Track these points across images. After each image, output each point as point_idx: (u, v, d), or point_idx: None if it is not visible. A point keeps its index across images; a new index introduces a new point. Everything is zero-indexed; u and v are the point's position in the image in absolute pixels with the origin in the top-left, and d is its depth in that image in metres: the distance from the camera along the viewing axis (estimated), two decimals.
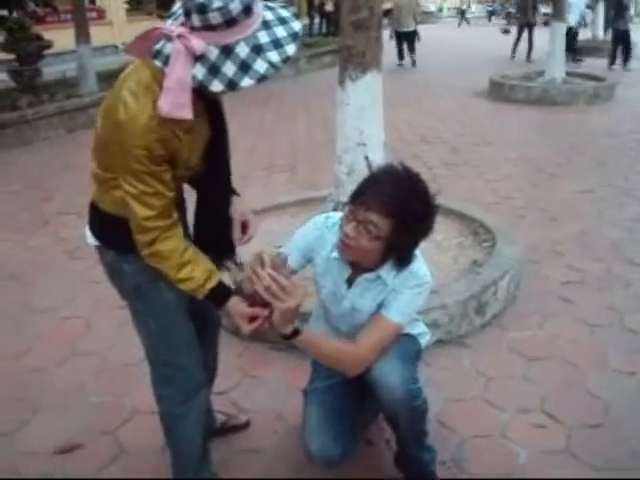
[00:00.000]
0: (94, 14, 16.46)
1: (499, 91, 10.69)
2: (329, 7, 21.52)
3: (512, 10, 33.65)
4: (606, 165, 6.56)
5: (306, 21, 21.86)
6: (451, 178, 6.21)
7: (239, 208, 2.02)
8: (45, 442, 2.60)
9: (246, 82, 1.53)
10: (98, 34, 12.47)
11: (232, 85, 1.53)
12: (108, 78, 10.34)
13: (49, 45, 10.19)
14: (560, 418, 2.65)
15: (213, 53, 1.51)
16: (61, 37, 11.53)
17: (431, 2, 42.82)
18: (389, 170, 1.90)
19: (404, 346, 2.05)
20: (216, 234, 1.98)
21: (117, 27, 17.79)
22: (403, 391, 1.94)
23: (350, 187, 3.57)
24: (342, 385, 2.19)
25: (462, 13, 36.56)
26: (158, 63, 1.55)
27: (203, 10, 1.46)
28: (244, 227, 2.01)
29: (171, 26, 1.54)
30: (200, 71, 1.52)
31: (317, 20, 23.05)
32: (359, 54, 3.46)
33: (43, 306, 3.79)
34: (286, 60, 1.56)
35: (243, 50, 1.52)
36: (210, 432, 2.32)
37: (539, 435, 2.57)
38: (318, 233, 2.07)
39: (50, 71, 10.74)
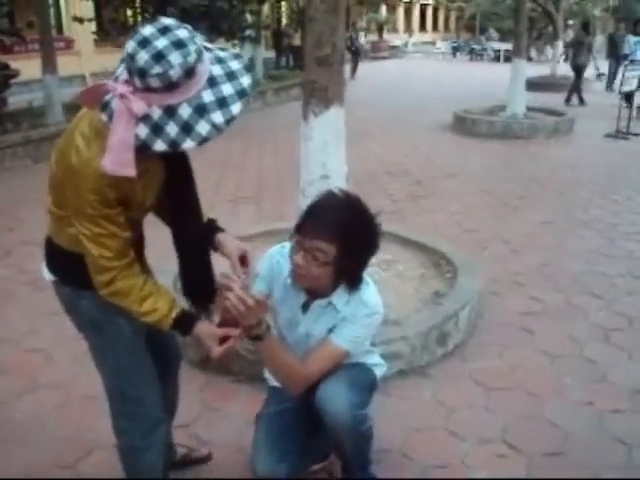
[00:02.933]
0: (62, 44, 16.38)
1: (463, 125, 10.92)
2: (296, 41, 21.80)
3: (475, 47, 34.58)
4: (566, 197, 6.73)
5: (272, 54, 22.10)
6: (415, 210, 6.31)
7: (231, 243, 2.00)
8: (5, 476, 2.53)
9: (188, 144, 1.54)
10: (66, 64, 12.43)
11: (174, 145, 1.54)
12: (75, 108, 10.22)
13: (16, 74, 10.14)
14: (521, 447, 2.69)
15: (156, 113, 1.51)
16: (28, 66, 11.46)
17: (397, 38, 43.67)
18: (329, 197, 1.97)
19: (354, 373, 2.09)
20: (199, 276, 1.97)
21: (85, 57, 17.72)
22: (348, 416, 1.98)
23: None
24: (294, 411, 2.22)
25: (455, 49, 37.63)
26: (104, 117, 1.56)
27: (143, 74, 1.47)
28: (243, 261, 1.97)
29: (116, 84, 1.53)
30: (143, 131, 1.53)
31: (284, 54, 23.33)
32: (322, 89, 3.52)
33: (4, 337, 3.72)
34: (230, 121, 1.56)
35: (186, 111, 1.52)
36: (171, 465, 2.30)
37: (500, 464, 2.60)
38: (274, 262, 2.11)
39: (16, 100, 10.66)
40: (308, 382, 2.01)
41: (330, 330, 2.04)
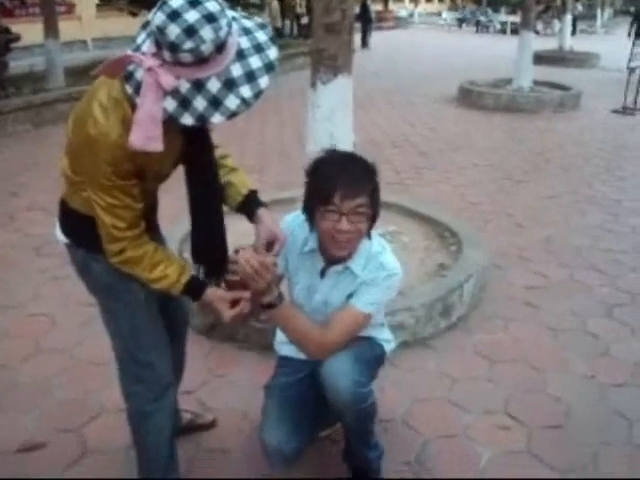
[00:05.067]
0: (63, 8, 16.18)
1: (468, 97, 10.84)
2: (300, 9, 21.59)
3: (482, 18, 34.18)
4: (571, 173, 6.69)
5: (279, 24, 21.83)
6: (419, 182, 6.28)
7: (266, 224, 1.94)
8: (8, 440, 2.56)
9: (217, 118, 1.53)
10: (67, 29, 12.27)
11: (202, 119, 1.53)
12: (76, 74, 10.23)
13: (17, 38, 10.01)
14: (522, 420, 2.71)
15: (184, 87, 1.49)
16: (29, 31, 11.33)
17: (402, 8, 43.15)
18: (332, 156, 1.99)
19: (362, 349, 2.08)
20: (211, 240, 1.93)
21: (86, 22, 17.51)
22: (350, 394, 1.96)
23: None
24: (303, 382, 2.22)
25: (460, 20, 37.37)
26: (129, 89, 1.53)
27: (173, 49, 1.44)
28: (270, 246, 1.93)
29: (143, 56, 1.49)
30: (171, 104, 1.51)
31: (288, 22, 23.09)
32: (330, 57, 3.48)
33: (8, 302, 3.73)
34: (258, 95, 1.54)
35: (214, 85, 1.50)
36: (176, 431, 2.32)
37: (502, 436, 2.62)
38: (289, 231, 2.08)
39: (17, 65, 10.56)
40: (331, 348, 1.98)
41: (349, 296, 2.04)
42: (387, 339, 2.31)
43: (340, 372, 1.95)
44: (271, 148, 7.68)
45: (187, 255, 2.03)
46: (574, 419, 2.72)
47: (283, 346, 2.29)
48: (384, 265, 2.01)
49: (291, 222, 2.13)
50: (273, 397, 2.22)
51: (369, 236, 2.01)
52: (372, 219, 1.95)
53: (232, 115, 1.54)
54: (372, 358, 2.17)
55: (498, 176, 6.53)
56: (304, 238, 2.06)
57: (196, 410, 2.68)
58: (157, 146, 1.52)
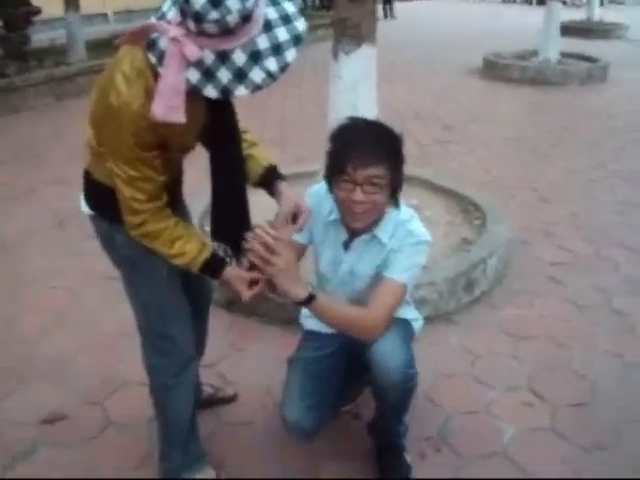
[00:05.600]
0: None
1: (493, 69, 10.64)
2: None
3: None
4: (598, 146, 6.55)
5: None
6: (443, 155, 6.20)
7: (289, 196, 1.90)
8: (31, 412, 2.58)
9: (241, 91, 1.49)
10: (87, 2, 12.16)
11: (226, 92, 1.49)
12: (97, 47, 10.19)
13: (38, 11, 9.97)
14: (547, 397, 2.67)
15: (208, 58, 1.45)
16: (50, 4, 11.28)
17: None
18: (354, 123, 1.92)
19: (401, 329, 2.04)
20: (233, 214, 1.89)
21: None
22: (400, 374, 1.93)
23: None
24: (330, 358, 2.20)
25: None
26: (152, 58, 1.50)
27: (198, 19, 1.39)
28: (294, 218, 1.89)
29: (168, 25, 1.45)
30: (194, 75, 1.47)
31: None
32: (354, 26, 3.41)
33: (31, 276, 3.76)
34: (284, 68, 1.50)
35: (240, 57, 1.45)
36: (197, 404, 2.32)
37: (525, 413, 2.59)
38: (315, 201, 2.05)
39: (38, 38, 10.54)
40: (381, 326, 1.91)
41: (377, 267, 2.00)
42: (415, 317, 2.28)
43: (390, 352, 1.92)
44: (292, 122, 7.62)
45: (208, 229, 1.99)
46: (599, 396, 2.68)
47: (309, 320, 2.26)
48: (413, 232, 1.96)
49: (318, 191, 2.08)
50: (296, 371, 2.20)
51: (397, 205, 1.96)
52: (393, 191, 1.89)
53: (257, 88, 1.49)
54: (408, 337, 2.14)
55: (523, 150, 6.42)
56: (330, 208, 2.01)
57: (217, 384, 2.68)
58: (179, 117, 1.49)
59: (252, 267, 1.79)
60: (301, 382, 2.14)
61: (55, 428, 2.50)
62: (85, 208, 1.89)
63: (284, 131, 7.16)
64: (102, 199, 1.81)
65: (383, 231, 1.98)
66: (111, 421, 2.54)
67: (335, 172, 1.86)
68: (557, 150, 6.40)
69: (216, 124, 1.78)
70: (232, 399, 2.64)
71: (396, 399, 2.05)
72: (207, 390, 2.58)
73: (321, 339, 2.21)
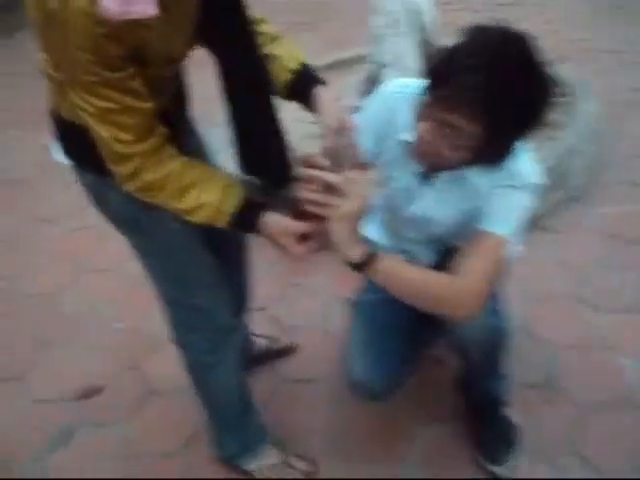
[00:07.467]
0: None
1: None
2: None
3: None
4: None
5: None
6: (501, 19, 5.38)
7: (330, 106, 1.35)
8: (61, 385, 2.24)
9: None
10: None
11: None
12: None
13: None
14: None
15: None
16: None
17: None
18: (480, 40, 1.24)
19: None
20: (262, 141, 1.33)
21: None
22: (485, 330, 1.52)
23: (395, 42, 2.94)
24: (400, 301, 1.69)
25: None
26: None
27: None
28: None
29: None
30: None
31: None
32: None
33: (51, 217, 3.33)
34: None
35: None
36: (250, 360, 2.00)
37: None
38: (387, 107, 1.48)
39: None
40: (480, 296, 1.33)
41: (463, 213, 1.45)
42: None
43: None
44: (325, 0, 6.81)
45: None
46: None
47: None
48: (518, 172, 1.36)
49: (391, 95, 1.49)
50: (359, 317, 1.77)
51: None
52: (476, 157, 1.29)
53: None
54: None
55: (596, 6, 5.51)
56: (408, 119, 1.38)
57: (271, 333, 2.27)
58: (146, 9, 0.97)
59: (299, 215, 1.28)
60: (365, 331, 1.71)
61: (90, 404, 2.15)
62: (61, 157, 1.38)
63: (317, 12, 6.34)
64: (80, 145, 1.26)
65: (477, 173, 1.39)
66: (153, 390, 2.18)
67: (427, 85, 1.28)
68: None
69: (214, 15, 1.19)
70: (290, 350, 2.25)
71: (484, 357, 1.63)
72: (261, 343, 2.19)
73: None
